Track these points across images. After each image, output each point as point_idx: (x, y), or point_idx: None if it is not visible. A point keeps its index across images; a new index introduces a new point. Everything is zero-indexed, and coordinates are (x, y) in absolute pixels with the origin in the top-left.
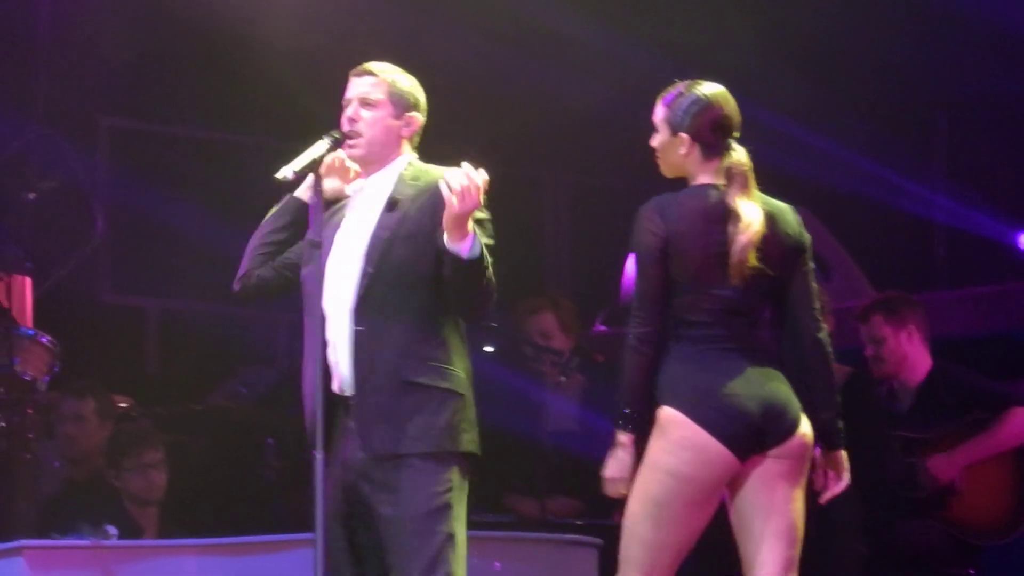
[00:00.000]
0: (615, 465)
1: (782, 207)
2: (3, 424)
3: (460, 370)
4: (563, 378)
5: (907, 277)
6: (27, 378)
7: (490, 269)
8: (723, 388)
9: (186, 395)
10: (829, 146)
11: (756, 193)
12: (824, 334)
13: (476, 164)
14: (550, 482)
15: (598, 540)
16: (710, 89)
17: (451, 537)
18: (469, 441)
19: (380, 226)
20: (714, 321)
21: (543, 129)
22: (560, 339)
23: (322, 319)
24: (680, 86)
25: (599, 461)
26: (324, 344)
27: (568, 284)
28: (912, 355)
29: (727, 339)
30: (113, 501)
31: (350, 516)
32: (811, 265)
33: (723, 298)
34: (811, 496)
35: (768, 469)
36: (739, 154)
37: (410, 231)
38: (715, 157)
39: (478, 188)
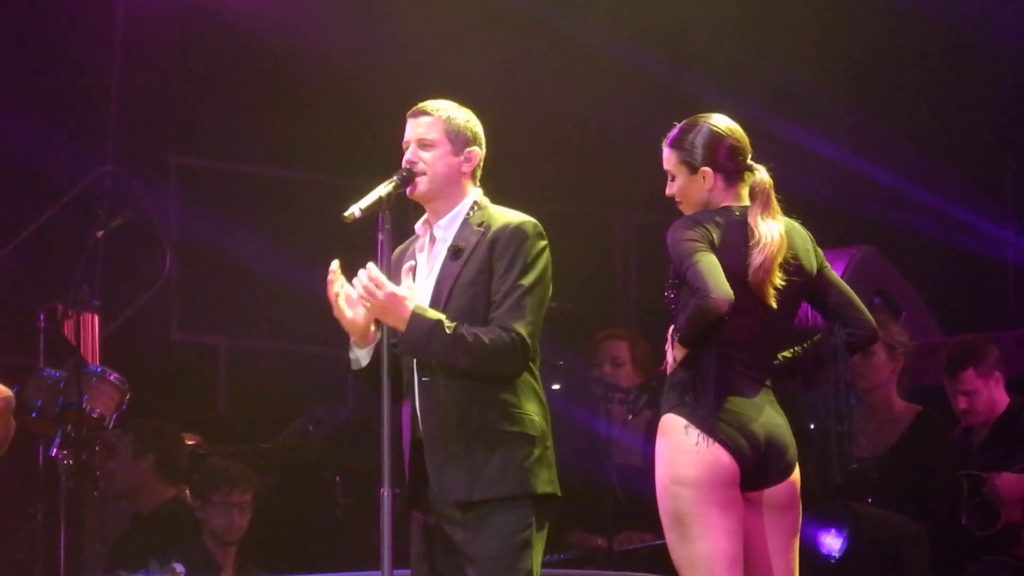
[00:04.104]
0: None
1: (796, 227)
2: (71, 462)
3: (532, 412)
4: (630, 416)
5: (977, 316)
6: (95, 416)
7: (462, 343)
8: (735, 407)
9: (255, 433)
10: (897, 184)
11: (779, 213)
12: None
13: (540, 204)
14: (617, 518)
15: None
16: (715, 118)
17: None
18: (545, 482)
19: (443, 275)
20: (738, 342)
21: (611, 168)
22: (629, 371)
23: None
24: (680, 125)
25: None
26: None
27: (636, 322)
28: (997, 396)
29: (747, 363)
30: (192, 536)
31: (434, 555)
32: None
33: (751, 321)
34: (875, 538)
35: (764, 519)
36: (761, 173)
37: (467, 279)
38: (737, 182)
39: (373, 293)
